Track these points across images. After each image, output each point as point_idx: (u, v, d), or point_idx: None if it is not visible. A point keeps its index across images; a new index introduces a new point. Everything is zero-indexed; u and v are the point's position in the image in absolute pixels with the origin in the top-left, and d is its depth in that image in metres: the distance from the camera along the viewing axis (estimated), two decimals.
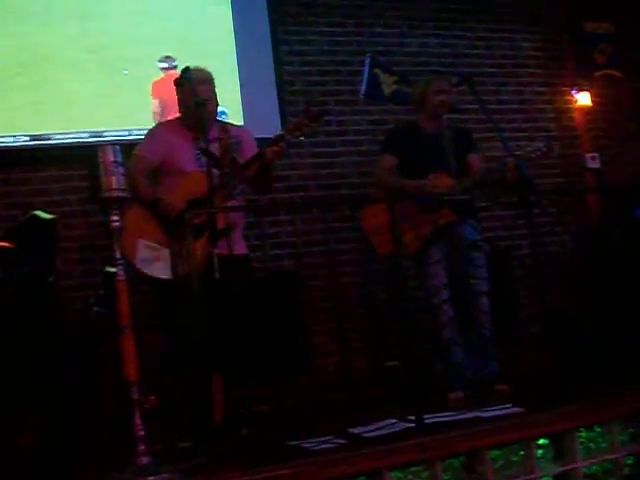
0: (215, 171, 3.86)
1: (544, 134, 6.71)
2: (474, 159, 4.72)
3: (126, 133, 5.18)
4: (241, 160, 4.07)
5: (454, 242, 4.61)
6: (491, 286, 4.55)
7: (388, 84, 5.85)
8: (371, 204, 4.77)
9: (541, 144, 4.66)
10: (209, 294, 3.42)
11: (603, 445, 3.64)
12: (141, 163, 4.03)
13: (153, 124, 4.83)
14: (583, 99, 6.87)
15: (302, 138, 4.20)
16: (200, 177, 3.90)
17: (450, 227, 4.60)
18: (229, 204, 3.93)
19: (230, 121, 4.62)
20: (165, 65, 5.46)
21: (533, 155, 4.55)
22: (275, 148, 4.00)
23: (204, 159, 3.95)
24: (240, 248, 4.01)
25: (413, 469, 3.24)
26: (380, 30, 6.33)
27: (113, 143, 4.11)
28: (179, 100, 4.14)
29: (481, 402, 3.95)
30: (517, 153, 4.51)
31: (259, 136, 4.43)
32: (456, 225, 4.62)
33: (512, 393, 4.28)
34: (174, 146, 4.08)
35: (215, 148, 3.94)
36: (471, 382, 4.47)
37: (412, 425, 3.49)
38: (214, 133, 3.99)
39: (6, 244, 3.89)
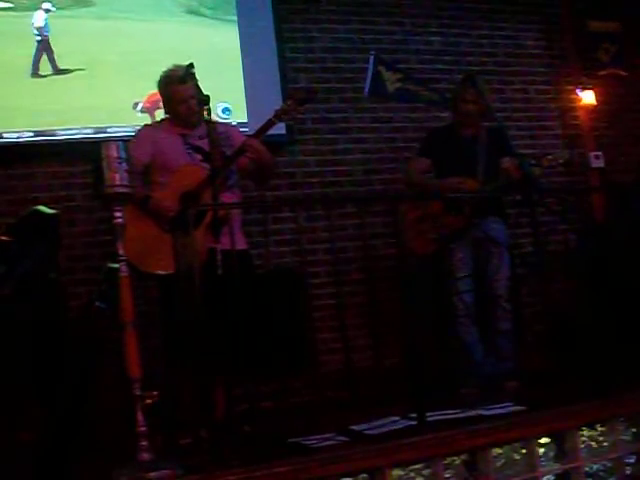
0: (206, 165, 3.90)
1: (549, 132, 6.73)
2: (504, 162, 4.72)
3: (130, 129, 5.17)
4: None
5: (476, 240, 4.74)
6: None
7: (392, 82, 5.85)
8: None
9: (563, 152, 4.77)
10: (211, 289, 3.42)
11: (605, 444, 3.64)
12: (133, 163, 4.03)
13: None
14: (587, 98, 6.85)
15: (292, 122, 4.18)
16: (190, 170, 4.03)
17: (471, 226, 4.71)
18: (224, 196, 3.93)
19: (217, 119, 4.68)
20: None
21: (555, 163, 4.65)
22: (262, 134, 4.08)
23: (195, 155, 4.00)
24: (240, 243, 4.01)
25: (414, 467, 3.24)
26: (384, 28, 6.33)
27: (117, 139, 4.11)
28: (174, 97, 4.15)
29: (492, 398, 3.96)
30: (550, 156, 4.66)
31: None
32: (478, 224, 4.71)
33: (522, 390, 4.32)
34: (163, 144, 4.12)
35: (204, 144, 3.95)
36: (484, 378, 4.59)
37: (414, 423, 3.49)
38: (202, 130, 4.00)
39: (6, 238, 3.90)
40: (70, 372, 3.80)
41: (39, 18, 5.34)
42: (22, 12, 5.35)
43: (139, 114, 5.47)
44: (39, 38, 5.33)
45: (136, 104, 5.47)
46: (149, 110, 5.45)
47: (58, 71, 5.34)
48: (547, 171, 4.79)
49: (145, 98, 5.45)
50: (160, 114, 5.15)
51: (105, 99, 5.40)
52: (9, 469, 3.36)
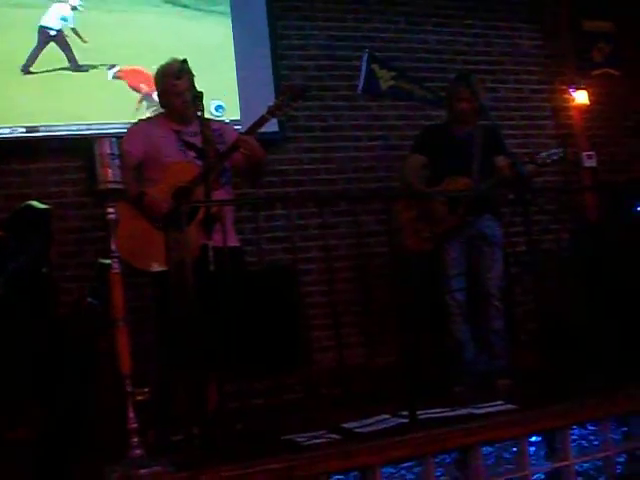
0: (199, 161, 3.91)
1: (542, 132, 6.74)
2: (499, 161, 4.70)
3: (122, 126, 5.16)
4: None
5: (469, 238, 4.75)
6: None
7: (385, 80, 5.85)
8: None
9: (557, 150, 4.77)
10: (203, 286, 3.42)
11: (596, 443, 3.65)
12: (126, 158, 4.02)
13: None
14: (580, 97, 6.86)
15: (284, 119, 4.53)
16: (183, 167, 4.03)
17: (465, 225, 4.72)
18: (216, 194, 3.92)
19: (211, 117, 4.69)
20: None
21: (549, 161, 4.64)
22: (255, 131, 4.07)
23: (188, 151, 4.00)
24: (231, 240, 4.00)
25: (405, 464, 3.24)
26: (379, 26, 6.34)
27: (109, 135, 4.10)
28: (169, 89, 4.16)
29: (483, 397, 3.97)
30: (543, 154, 4.66)
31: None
32: (472, 222, 4.72)
33: (514, 388, 4.33)
34: (156, 140, 4.11)
35: (198, 140, 3.95)
36: (476, 376, 4.62)
37: (405, 421, 3.49)
38: (195, 126, 4.00)
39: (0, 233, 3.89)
40: (69, 371, 3.80)
41: (65, 12, 5.33)
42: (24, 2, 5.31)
43: (110, 78, 5.44)
44: (54, 32, 5.33)
45: (112, 66, 5.43)
46: (132, 83, 5.45)
47: (77, 67, 5.36)
48: (540, 170, 4.79)
49: (126, 68, 5.45)
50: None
51: (95, 96, 5.39)
52: (9, 469, 3.35)
